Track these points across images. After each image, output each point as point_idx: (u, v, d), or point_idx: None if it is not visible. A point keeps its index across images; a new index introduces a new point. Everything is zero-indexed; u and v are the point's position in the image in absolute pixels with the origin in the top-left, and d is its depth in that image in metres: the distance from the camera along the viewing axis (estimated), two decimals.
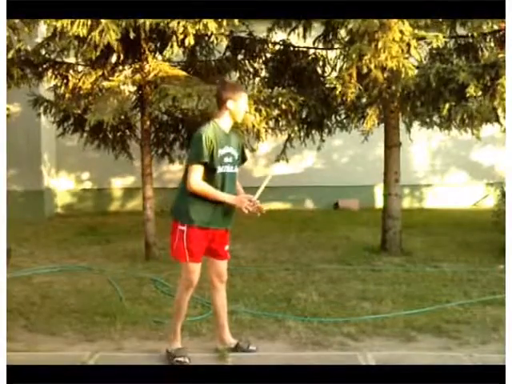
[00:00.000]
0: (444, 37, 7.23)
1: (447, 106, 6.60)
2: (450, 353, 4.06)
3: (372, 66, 5.99)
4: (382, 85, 6.32)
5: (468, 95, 6.20)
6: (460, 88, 6.28)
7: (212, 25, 6.09)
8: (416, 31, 6.07)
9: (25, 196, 11.01)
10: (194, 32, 6.14)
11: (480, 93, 6.21)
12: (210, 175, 3.82)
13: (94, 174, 12.22)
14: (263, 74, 8.08)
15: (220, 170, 3.85)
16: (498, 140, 10.56)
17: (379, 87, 6.36)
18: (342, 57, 7.37)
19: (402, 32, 5.95)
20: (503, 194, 7.53)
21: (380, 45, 5.92)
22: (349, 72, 6.16)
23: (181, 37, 6.25)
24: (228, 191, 3.89)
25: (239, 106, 3.89)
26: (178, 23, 6.08)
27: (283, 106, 6.74)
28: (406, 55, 6.15)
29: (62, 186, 12.29)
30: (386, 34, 5.90)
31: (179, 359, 3.84)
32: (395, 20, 5.90)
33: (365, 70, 6.04)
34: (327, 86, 6.90)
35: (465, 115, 6.57)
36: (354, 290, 5.63)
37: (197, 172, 3.79)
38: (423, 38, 6.27)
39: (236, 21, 6.42)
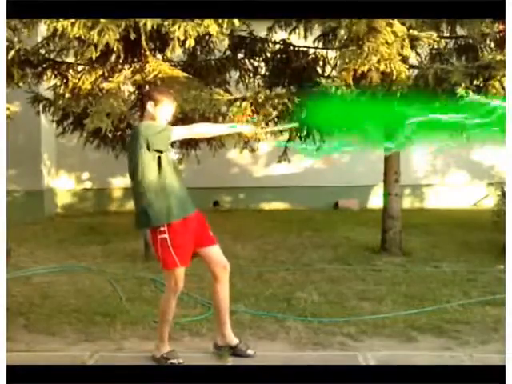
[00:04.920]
0: (444, 37, 7.24)
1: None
2: (450, 353, 4.06)
3: (365, 68, 5.99)
4: (377, 86, 6.32)
5: (459, 95, 6.18)
6: (452, 88, 6.28)
7: (213, 27, 6.08)
8: (411, 31, 6.06)
9: (25, 196, 11.02)
10: (196, 35, 6.12)
11: (471, 94, 6.19)
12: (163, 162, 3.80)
13: (94, 174, 12.23)
14: (263, 73, 8.09)
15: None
16: (498, 140, 10.56)
17: (375, 88, 6.36)
18: (338, 57, 7.39)
19: (394, 33, 5.94)
20: (503, 194, 7.53)
21: (367, 49, 5.92)
22: (343, 76, 6.14)
23: (182, 38, 6.24)
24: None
25: (161, 111, 3.86)
26: (179, 27, 6.07)
27: (280, 108, 6.73)
28: (400, 57, 6.13)
29: (62, 186, 12.30)
30: (376, 38, 5.91)
31: (173, 361, 3.84)
32: (384, 23, 5.88)
33: (359, 72, 6.04)
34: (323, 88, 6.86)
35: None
36: (353, 290, 5.63)
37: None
38: (417, 38, 6.24)
39: (236, 21, 6.41)
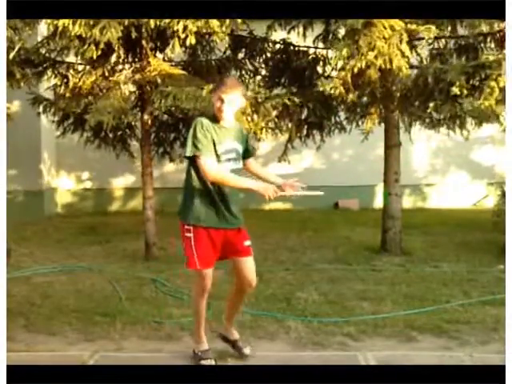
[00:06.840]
0: (444, 37, 7.23)
1: (432, 104, 6.58)
2: (450, 353, 4.06)
3: (363, 64, 5.95)
4: (375, 84, 6.29)
5: (453, 94, 6.16)
6: (448, 87, 6.25)
7: (214, 23, 6.07)
8: (408, 26, 6.00)
9: (25, 196, 11.03)
10: (196, 29, 6.09)
11: (465, 92, 6.16)
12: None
13: (94, 174, 12.23)
14: (263, 73, 8.09)
15: (222, 165, 3.73)
16: (498, 140, 10.57)
17: (372, 86, 6.34)
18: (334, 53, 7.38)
19: (392, 28, 5.90)
20: (503, 194, 7.53)
21: (361, 43, 5.86)
22: (341, 74, 6.11)
23: (182, 36, 6.23)
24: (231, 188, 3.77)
25: (230, 102, 3.72)
26: (178, 22, 6.06)
27: (280, 108, 6.73)
28: (399, 53, 6.09)
29: (62, 186, 12.30)
30: (371, 32, 5.86)
31: (205, 362, 3.83)
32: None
33: (355, 70, 6.00)
34: (321, 88, 6.76)
35: (449, 114, 6.55)
36: (353, 290, 5.63)
37: (208, 161, 3.63)
38: (416, 32, 6.15)
39: (239, 20, 6.42)
